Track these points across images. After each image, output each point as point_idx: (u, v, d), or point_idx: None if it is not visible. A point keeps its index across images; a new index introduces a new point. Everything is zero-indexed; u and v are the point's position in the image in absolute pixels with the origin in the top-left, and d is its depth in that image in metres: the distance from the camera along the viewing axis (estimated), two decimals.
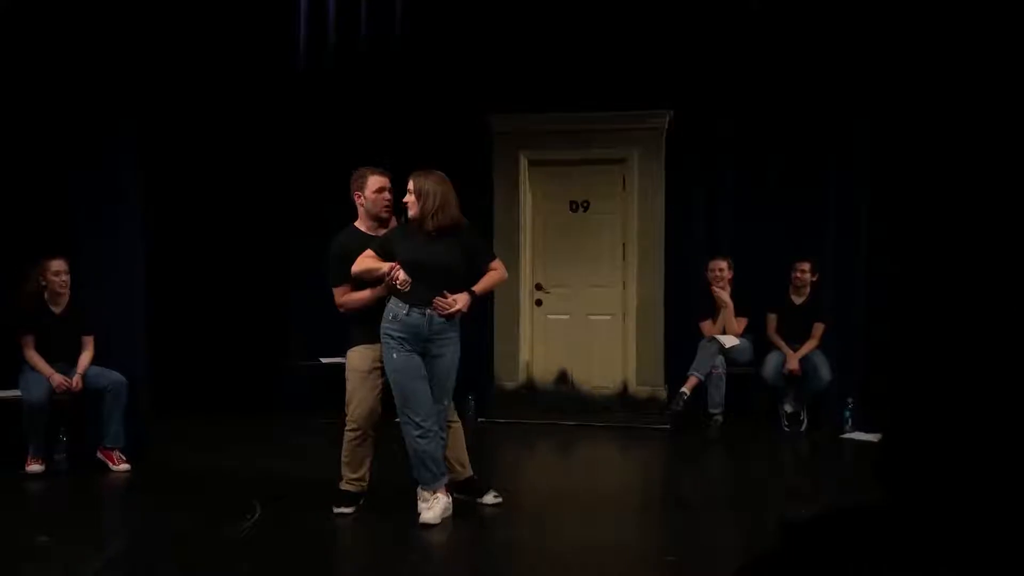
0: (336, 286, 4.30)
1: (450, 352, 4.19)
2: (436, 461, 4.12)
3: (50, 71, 5.56)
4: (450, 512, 4.14)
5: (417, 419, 4.06)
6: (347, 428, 4.29)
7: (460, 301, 4.12)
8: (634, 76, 6.93)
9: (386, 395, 4.26)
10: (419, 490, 4.15)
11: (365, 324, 4.22)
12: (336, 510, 4.27)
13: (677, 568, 3.66)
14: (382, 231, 4.33)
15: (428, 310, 4.08)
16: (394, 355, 4.08)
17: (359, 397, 4.25)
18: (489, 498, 4.46)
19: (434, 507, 4.08)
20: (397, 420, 4.16)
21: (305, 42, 7.45)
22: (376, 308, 4.18)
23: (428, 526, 4.03)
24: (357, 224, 4.41)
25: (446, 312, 4.10)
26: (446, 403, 4.25)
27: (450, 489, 4.23)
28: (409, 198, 4.14)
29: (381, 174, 4.36)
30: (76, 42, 5.61)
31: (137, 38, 5.99)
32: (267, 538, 4.05)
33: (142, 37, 6.08)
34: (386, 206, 4.32)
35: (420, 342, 4.10)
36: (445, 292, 4.11)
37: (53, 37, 5.57)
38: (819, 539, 1.54)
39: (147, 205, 6.06)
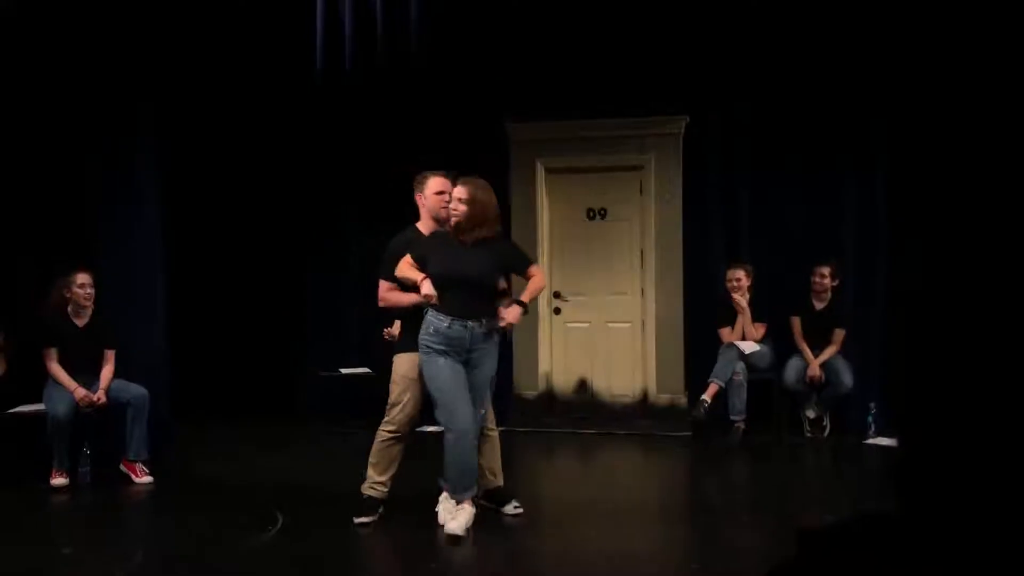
0: (383, 279, 4.33)
1: (489, 362, 4.19)
2: (471, 472, 4.10)
3: (71, 80, 5.63)
4: (471, 523, 4.12)
5: (457, 428, 4.03)
6: (384, 429, 4.29)
7: (511, 315, 4.12)
8: (650, 82, 6.91)
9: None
10: (443, 498, 4.14)
11: (416, 331, 4.20)
12: (356, 520, 4.26)
13: (702, 575, 3.63)
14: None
15: (469, 322, 4.06)
16: (438, 363, 4.04)
17: (404, 401, 4.26)
18: (510, 508, 4.44)
19: (459, 517, 4.05)
20: (423, 429, 4.16)
21: (323, 50, 7.50)
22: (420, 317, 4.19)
23: (452, 536, 4.01)
24: (419, 224, 4.46)
25: (503, 327, 4.13)
26: (483, 412, 4.24)
27: (476, 497, 4.22)
28: (458, 205, 4.12)
29: (443, 176, 4.41)
30: (97, 51, 5.67)
31: (159, 47, 6.05)
32: (289, 547, 4.05)
33: (164, 46, 6.15)
34: (444, 207, 4.32)
35: (463, 353, 4.09)
36: (498, 310, 4.11)
37: (75, 46, 5.63)
38: (842, 547, 1.52)
39: (167, 213, 6.11)
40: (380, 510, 4.33)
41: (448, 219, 4.23)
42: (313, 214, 7.37)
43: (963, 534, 1.27)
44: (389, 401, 4.32)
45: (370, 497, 4.30)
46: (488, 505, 4.36)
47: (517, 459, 6.35)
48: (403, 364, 4.30)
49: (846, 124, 6.75)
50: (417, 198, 4.45)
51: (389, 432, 4.28)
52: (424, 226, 4.43)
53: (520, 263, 4.33)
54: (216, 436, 6.64)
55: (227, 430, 6.80)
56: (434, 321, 4.06)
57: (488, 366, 4.18)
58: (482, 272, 4.12)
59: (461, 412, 4.03)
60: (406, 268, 4.16)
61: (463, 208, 4.10)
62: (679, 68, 6.89)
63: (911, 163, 6.57)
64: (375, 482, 4.30)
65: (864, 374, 6.54)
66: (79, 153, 5.70)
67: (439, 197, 4.35)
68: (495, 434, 4.47)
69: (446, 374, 4.04)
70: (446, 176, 4.39)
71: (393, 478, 4.35)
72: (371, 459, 4.31)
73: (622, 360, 7.27)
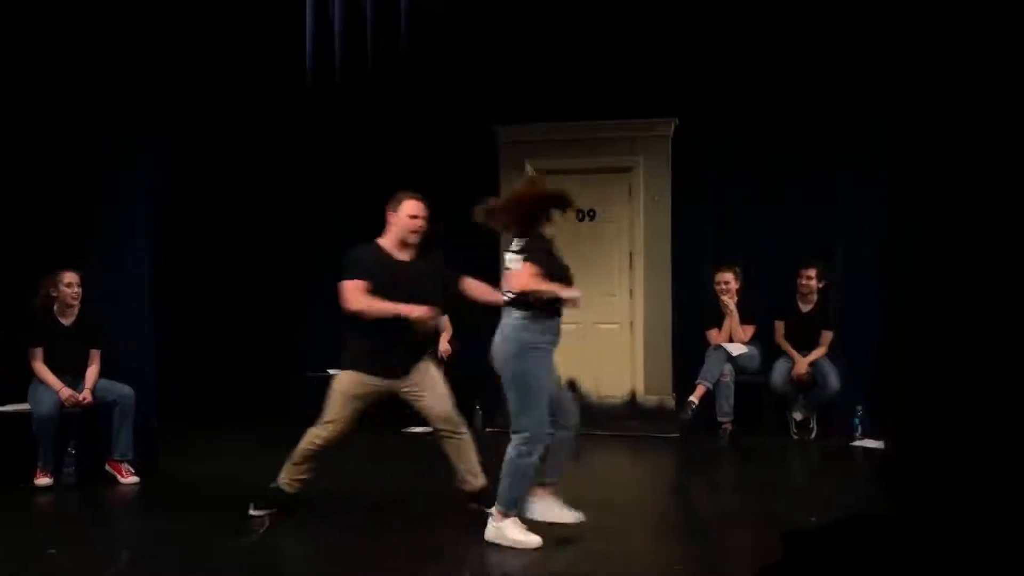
0: (351, 279, 4.25)
1: None
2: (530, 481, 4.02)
3: (67, 79, 5.61)
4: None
5: (539, 433, 3.93)
6: (316, 438, 4.34)
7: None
8: (639, 84, 6.94)
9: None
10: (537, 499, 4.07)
11: (366, 349, 4.26)
12: (254, 511, 4.33)
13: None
14: (402, 256, 4.36)
15: (558, 316, 4.04)
16: (549, 365, 3.98)
17: (341, 418, 4.32)
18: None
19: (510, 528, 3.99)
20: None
21: (313, 52, 7.47)
22: (381, 336, 4.20)
23: (491, 544, 3.96)
24: (381, 241, 4.41)
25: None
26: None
27: (465, 499, 4.21)
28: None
29: (419, 201, 4.39)
30: (93, 51, 5.65)
31: (156, 47, 6.02)
32: (276, 549, 4.04)
33: (161, 46, 6.12)
34: (414, 231, 4.34)
35: (554, 346, 4.05)
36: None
37: (72, 47, 5.61)
38: (830, 548, 1.53)
39: (157, 212, 6.09)
40: (286, 508, 4.37)
41: (415, 245, 4.30)
42: (305, 215, 7.36)
43: (952, 534, 1.27)
44: (325, 415, 4.35)
45: (280, 489, 4.37)
46: (477, 507, 4.35)
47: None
48: (343, 381, 4.35)
49: (835, 127, 6.78)
50: (389, 214, 4.40)
51: (320, 442, 4.34)
52: (388, 243, 4.39)
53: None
54: (204, 437, 6.62)
55: (215, 431, 6.77)
56: (557, 320, 4.00)
57: None
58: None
59: (545, 417, 3.93)
60: (547, 283, 3.93)
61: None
62: (668, 70, 6.91)
63: (903, 165, 6.61)
64: (293, 478, 4.38)
65: (851, 376, 6.58)
66: (70, 153, 5.68)
67: (412, 221, 4.34)
68: (466, 436, 4.41)
69: (549, 377, 3.97)
70: (421, 200, 4.38)
71: (307, 479, 4.41)
72: (294, 458, 4.38)
73: (610, 361, 7.28)
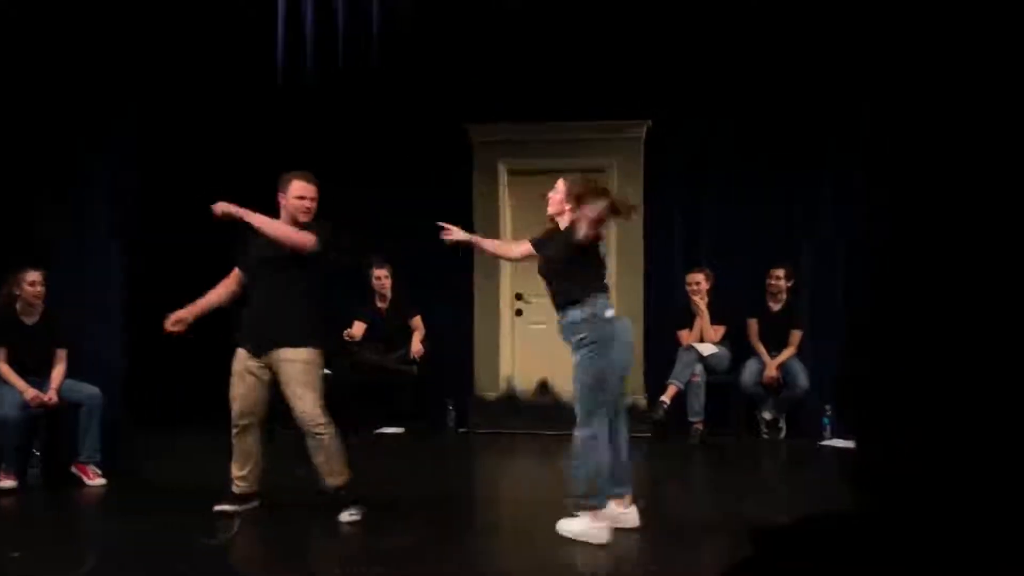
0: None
1: (578, 356, 4.10)
2: (601, 472, 4.01)
3: (28, 79, 5.53)
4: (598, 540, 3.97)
5: (602, 423, 4.00)
6: (232, 424, 4.38)
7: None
8: (613, 86, 6.97)
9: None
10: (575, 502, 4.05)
11: (240, 326, 4.38)
12: (216, 507, 4.35)
13: None
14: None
15: (557, 314, 4.11)
16: (611, 357, 3.98)
17: (233, 396, 4.35)
18: (346, 515, 4.27)
19: (575, 524, 4.00)
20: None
21: (284, 54, 7.42)
22: (244, 314, 4.35)
23: (562, 537, 3.97)
24: None
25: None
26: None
27: (319, 491, 4.27)
28: (568, 203, 4.13)
29: (308, 181, 4.39)
30: (56, 51, 5.58)
31: (126, 47, 5.95)
32: (245, 550, 4.00)
33: (131, 46, 6.05)
34: (305, 211, 4.36)
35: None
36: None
37: (40, 46, 5.53)
38: (800, 546, 1.54)
39: (125, 212, 6.01)
40: (247, 505, 4.39)
41: (306, 223, 4.30)
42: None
43: (923, 531, 1.29)
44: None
45: (230, 492, 4.40)
46: (330, 505, 4.31)
47: (477, 460, 6.36)
48: (235, 358, 4.38)
49: (805, 129, 6.86)
50: (279, 197, 4.40)
51: (232, 426, 4.38)
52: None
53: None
54: (171, 438, 6.53)
55: (183, 432, 6.69)
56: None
57: (578, 364, 4.09)
58: (547, 259, 4.16)
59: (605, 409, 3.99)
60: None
61: (566, 205, 4.13)
62: (642, 72, 6.95)
63: (871, 168, 6.70)
64: (234, 477, 4.40)
65: (819, 376, 6.65)
66: (36, 150, 5.59)
67: (300, 201, 4.34)
68: (327, 436, 4.26)
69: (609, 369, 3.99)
70: (310, 180, 4.39)
71: (256, 474, 4.41)
72: (232, 455, 4.41)
73: None
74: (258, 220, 4.24)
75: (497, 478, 6.00)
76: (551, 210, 4.19)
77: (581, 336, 4.02)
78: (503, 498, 5.36)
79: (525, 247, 4.42)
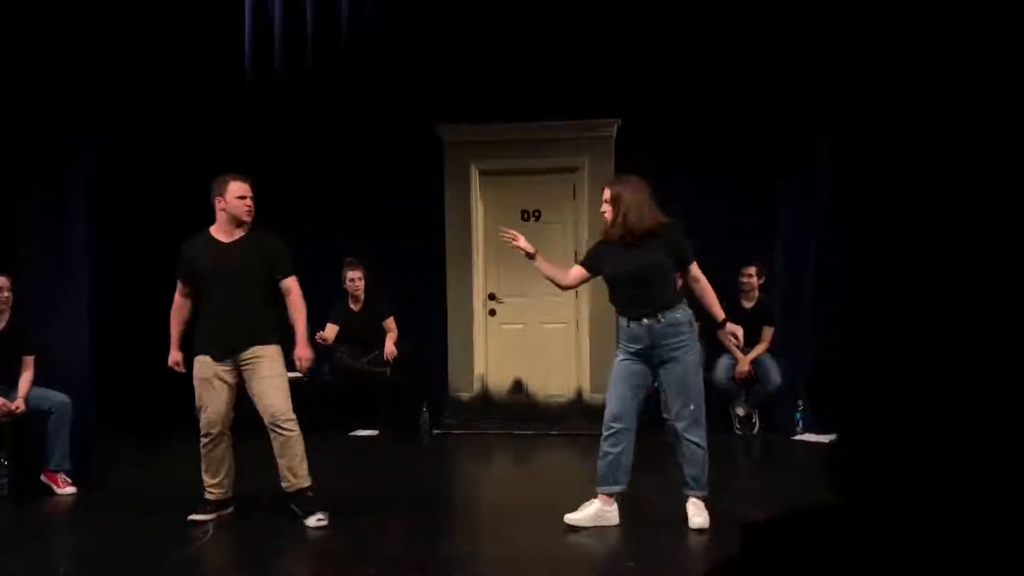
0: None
1: (683, 356, 4.14)
2: (610, 466, 4.23)
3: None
4: (605, 522, 4.19)
5: (607, 420, 4.24)
6: (201, 435, 4.37)
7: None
8: (583, 85, 6.97)
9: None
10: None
11: (200, 334, 4.41)
12: (191, 516, 4.33)
13: (637, 574, 3.66)
14: (239, 233, 4.40)
15: (646, 320, 4.10)
16: (616, 361, 4.24)
17: (201, 405, 4.35)
18: (312, 521, 4.25)
19: (586, 509, 4.20)
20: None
21: (251, 51, 7.35)
22: (204, 321, 4.39)
23: (570, 527, 4.13)
24: (212, 229, 4.45)
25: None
26: (685, 409, 4.20)
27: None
28: (605, 207, 4.19)
29: (243, 181, 4.45)
30: (21, 50, 5.50)
31: (92, 46, 5.87)
32: (217, 558, 3.96)
33: (98, 45, 5.97)
34: (247, 210, 4.40)
35: (646, 350, 4.14)
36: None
37: (5, 45, 5.44)
38: (777, 542, 1.55)
39: (93, 215, 5.93)
40: (224, 511, 4.40)
41: (249, 222, 4.37)
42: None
43: (899, 524, 1.31)
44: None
45: (206, 500, 4.39)
46: (295, 511, 4.31)
47: (452, 461, 6.35)
48: (195, 367, 4.39)
49: (777, 126, 6.89)
50: (216, 201, 4.42)
51: (202, 437, 4.37)
52: (218, 231, 4.43)
53: (682, 255, 4.28)
54: (142, 445, 6.45)
55: (153, 439, 6.60)
56: (621, 320, 4.22)
57: (682, 362, 4.13)
58: (648, 264, 4.14)
59: (609, 407, 4.23)
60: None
61: (608, 208, 4.17)
62: (612, 71, 6.96)
63: (842, 165, 6.76)
64: (207, 485, 4.40)
65: (791, 372, 6.71)
66: (1, 157, 5.50)
67: (241, 201, 4.38)
68: (294, 434, 4.29)
69: (615, 371, 4.22)
70: (245, 179, 4.45)
71: (230, 479, 4.42)
72: (202, 466, 4.40)
73: (557, 361, 7.31)
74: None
75: (474, 479, 5.99)
76: (608, 217, 4.22)
77: (683, 336, 4.14)
78: (481, 500, 5.36)
79: (577, 272, 4.45)
